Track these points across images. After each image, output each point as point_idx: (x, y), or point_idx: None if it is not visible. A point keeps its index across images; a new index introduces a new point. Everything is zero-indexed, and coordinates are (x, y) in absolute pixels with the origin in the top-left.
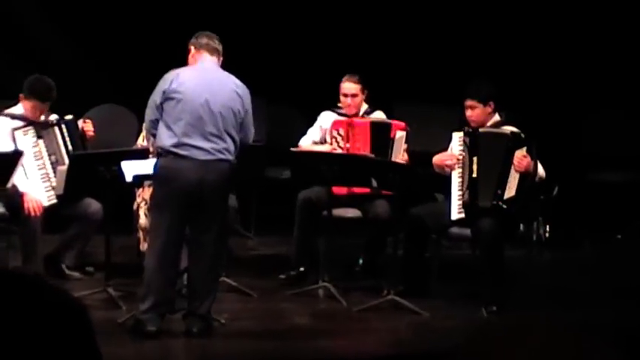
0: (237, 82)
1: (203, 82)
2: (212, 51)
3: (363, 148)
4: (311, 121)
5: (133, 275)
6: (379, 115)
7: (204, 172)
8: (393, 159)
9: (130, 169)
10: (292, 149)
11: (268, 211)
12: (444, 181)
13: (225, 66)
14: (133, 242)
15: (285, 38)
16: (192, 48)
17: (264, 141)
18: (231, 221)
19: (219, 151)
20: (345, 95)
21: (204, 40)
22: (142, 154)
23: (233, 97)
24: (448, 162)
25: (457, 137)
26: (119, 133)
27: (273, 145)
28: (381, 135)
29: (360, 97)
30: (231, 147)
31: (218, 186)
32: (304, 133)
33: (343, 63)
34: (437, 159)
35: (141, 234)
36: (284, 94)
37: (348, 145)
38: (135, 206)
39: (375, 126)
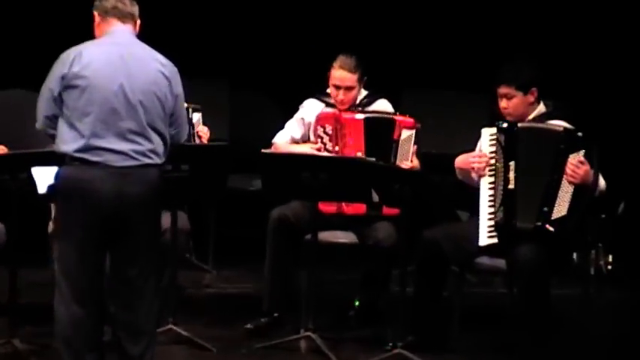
0: (161, 58)
1: (115, 61)
2: (124, 17)
3: (355, 152)
4: (290, 113)
5: (49, 321)
6: (382, 106)
7: (124, 184)
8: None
9: (44, 177)
10: (264, 150)
11: (232, 235)
12: (469, 194)
13: (170, 39)
14: (48, 277)
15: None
16: (96, 15)
17: (226, 139)
18: (181, 248)
19: (143, 154)
20: (337, 87)
21: (110, 3)
22: (61, 157)
23: (158, 80)
24: (476, 165)
25: (488, 135)
26: (31, 128)
27: (238, 144)
28: (379, 135)
29: (357, 89)
30: (160, 147)
31: (144, 201)
32: (281, 128)
33: (334, 34)
34: (460, 161)
35: None
36: (253, 75)
37: (337, 148)
38: (50, 228)
39: (372, 123)
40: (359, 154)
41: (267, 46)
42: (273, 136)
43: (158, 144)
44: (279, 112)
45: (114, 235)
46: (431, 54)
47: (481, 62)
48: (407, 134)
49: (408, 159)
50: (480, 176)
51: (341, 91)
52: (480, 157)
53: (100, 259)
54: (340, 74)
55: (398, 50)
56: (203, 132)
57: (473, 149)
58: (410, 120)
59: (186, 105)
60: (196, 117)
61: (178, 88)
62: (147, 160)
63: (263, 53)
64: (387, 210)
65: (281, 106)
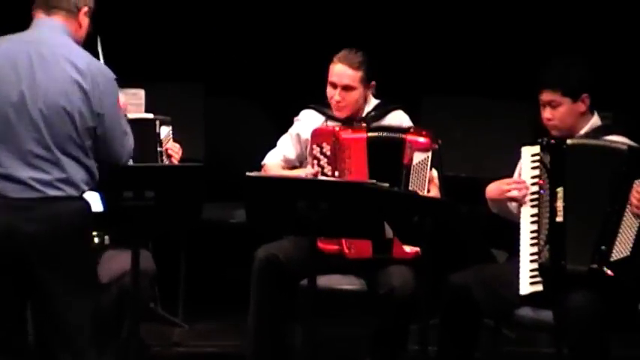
0: (82, 62)
1: (22, 63)
2: (49, 6)
3: (357, 177)
4: (284, 126)
5: None
6: (397, 120)
7: (17, 219)
8: None
9: None
10: (249, 174)
11: (207, 279)
12: (506, 228)
13: (130, 36)
14: None
15: None
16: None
17: (201, 159)
18: (144, 296)
19: (50, 185)
20: (334, 85)
21: None
22: None
23: (69, 91)
24: (514, 194)
25: (529, 155)
26: None
27: (216, 165)
28: (385, 159)
29: (360, 91)
30: (79, 176)
31: (46, 242)
32: (272, 146)
33: (339, 30)
34: (494, 190)
35: None
36: (235, 78)
37: (336, 174)
38: None
39: (376, 144)
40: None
41: (254, 42)
42: (261, 156)
43: (75, 172)
44: (270, 126)
45: (19, 283)
46: (456, 52)
47: (519, 62)
48: (420, 158)
49: (422, 188)
50: (520, 206)
51: (337, 91)
52: (520, 183)
53: (9, 307)
54: (339, 69)
55: (416, 48)
56: (173, 150)
57: (510, 174)
58: (424, 140)
59: (151, 116)
60: (165, 131)
61: (105, 103)
62: (53, 193)
63: (248, 51)
64: (399, 251)
65: (272, 117)
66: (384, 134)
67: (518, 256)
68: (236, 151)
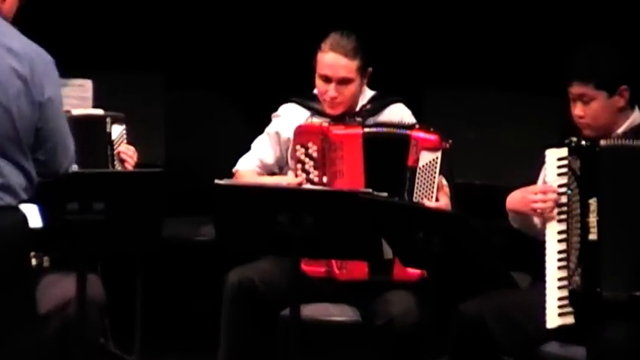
0: (18, 44)
1: None
2: None
3: (351, 183)
4: (260, 124)
5: None
6: (396, 114)
7: None
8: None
9: None
10: (219, 181)
11: (168, 309)
12: (529, 248)
13: (74, 17)
14: None
15: None
16: None
17: (161, 164)
18: (92, 329)
19: None
20: (327, 79)
21: None
22: None
23: (7, 81)
24: (538, 205)
25: (555, 159)
26: None
27: (179, 171)
28: (386, 160)
29: (357, 82)
30: (16, 180)
31: None
32: (245, 148)
33: (324, 13)
34: (515, 200)
35: None
36: (202, 68)
37: (325, 179)
38: None
39: (374, 142)
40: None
41: (224, 24)
42: (233, 160)
43: (13, 176)
44: (244, 124)
45: None
46: (466, 36)
47: (543, 48)
48: (428, 158)
49: (430, 196)
50: (546, 221)
51: (332, 85)
52: (545, 192)
53: None
54: (331, 59)
55: (416, 31)
56: (127, 153)
57: (533, 181)
58: (432, 137)
59: (101, 112)
60: (117, 131)
61: (48, 90)
62: None
63: (217, 35)
64: (401, 273)
65: (246, 114)
66: (385, 130)
67: (544, 281)
68: (203, 154)
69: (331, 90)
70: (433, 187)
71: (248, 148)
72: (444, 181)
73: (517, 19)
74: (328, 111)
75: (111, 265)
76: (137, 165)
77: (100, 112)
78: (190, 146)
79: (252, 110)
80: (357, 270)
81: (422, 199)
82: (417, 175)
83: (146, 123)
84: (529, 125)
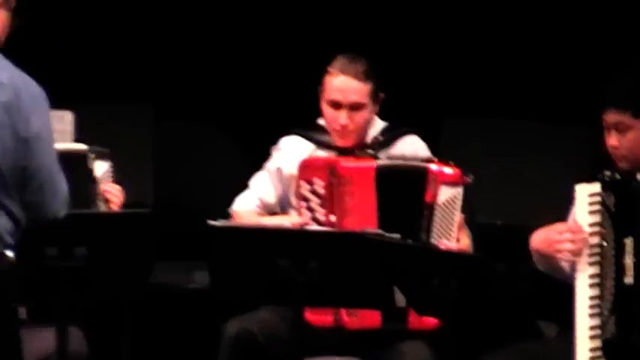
0: (4, 71)
1: None
2: None
3: (362, 222)
4: (258, 159)
5: None
6: (410, 146)
7: None
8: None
9: None
10: (213, 223)
11: None
12: (557, 293)
13: (56, 43)
14: None
15: None
16: None
17: (149, 204)
18: None
19: None
20: (337, 105)
21: None
22: None
23: None
24: (566, 246)
25: (587, 196)
26: None
27: (169, 213)
28: (402, 196)
29: (370, 108)
30: (1, 225)
31: None
32: (243, 186)
33: (328, 33)
34: (541, 240)
35: None
36: (194, 98)
37: (333, 218)
38: None
39: (389, 176)
40: (370, 229)
41: (217, 50)
42: (229, 200)
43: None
44: (240, 158)
45: None
46: (489, 61)
47: (574, 74)
48: (448, 194)
49: (450, 235)
50: (575, 264)
51: (343, 112)
52: (573, 231)
53: None
54: (342, 82)
55: (434, 56)
56: (112, 192)
57: (562, 217)
58: (452, 172)
59: (83, 147)
60: (101, 168)
61: (35, 124)
62: None
63: (209, 62)
64: (417, 321)
65: (244, 148)
66: (401, 163)
67: (574, 330)
68: (195, 193)
69: (342, 117)
70: (453, 226)
71: (245, 186)
72: (463, 223)
73: (544, 43)
74: (338, 142)
75: (94, 317)
76: (123, 205)
77: (82, 146)
78: (181, 184)
79: (249, 143)
80: (368, 318)
81: (441, 238)
82: (436, 212)
83: (133, 159)
84: (557, 158)
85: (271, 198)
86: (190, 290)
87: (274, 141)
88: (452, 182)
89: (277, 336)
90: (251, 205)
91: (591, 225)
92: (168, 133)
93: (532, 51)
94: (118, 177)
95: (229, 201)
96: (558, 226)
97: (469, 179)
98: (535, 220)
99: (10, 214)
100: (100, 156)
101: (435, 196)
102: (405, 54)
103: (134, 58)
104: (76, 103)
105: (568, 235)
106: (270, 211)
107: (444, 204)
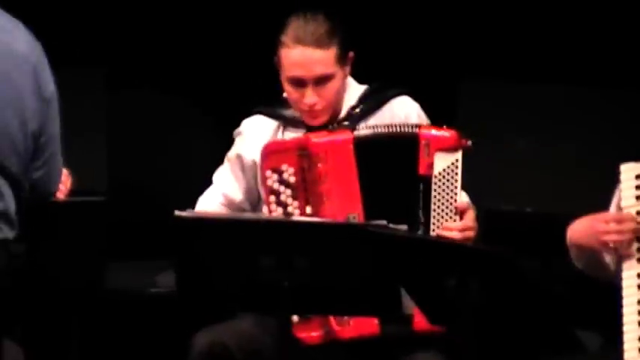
0: (26, 37)
1: None
2: None
3: (343, 208)
4: (230, 138)
5: None
6: (400, 110)
7: None
8: (437, 228)
9: None
10: (181, 213)
11: None
12: (599, 297)
13: None
14: None
15: None
16: None
17: (103, 191)
18: None
19: None
20: (300, 83)
21: None
22: None
23: (16, 69)
24: (611, 237)
25: (633, 176)
26: None
27: (126, 202)
28: (388, 171)
29: (339, 76)
30: (11, 204)
31: None
32: (207, 169)
33: None
34: (582, 231)
35: None
36: (155, 61)
37: (309, 210)
38: None
39: (370, 148)
40: (352, 217)
41: (183, 6)
42: (201, 185)
43: (11, 201)
44: (215, 137)
45: None
46: (516, 12)
47: (618, 27)
48: (446, 162)
49: (452, 212)
50: (622, 260)
51: (309, 90)
52: (620, 221)
53: None
54: (301, 55)
55: (446, 10)
56: None
57: (603, 207)
58: (448, 133)
59: None
60: None
61: (50, 84)
62: None
63: (174, 20)
64: (424, 322)
65: (218, 123)
66: (383, 131)
67: (621, 342)
68: (158, 177)
69: (309, 96)
70: (455, 200)
71: (215, 168)
72: (466, 198)
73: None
74: (309, 122)
75: (35, 328)
76: (71, 193)
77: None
78: (141, 166)
79: (226, 117)
80: (364, 322)
81: (442, 217)
82: (433, 185)
83: (82, 136)
84: (599, 131)
85: (237, 194)
86: (152, 295)
87: (239, 117)
88: (448, 147)
89: (258, 351)
90: (214, 202)
91: None
92: (124, 102)
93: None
94: (65, 159)
95: (201, 187)
96: (601, 215)
97: (469, 142)
98: (572, 206)
99: (18, 196)
100: None
101: (429, 166)
102: (413, 8)
103: (85, 13)
104: None
105: (614, 226)
106: (237, 208)
107: (441, 175)
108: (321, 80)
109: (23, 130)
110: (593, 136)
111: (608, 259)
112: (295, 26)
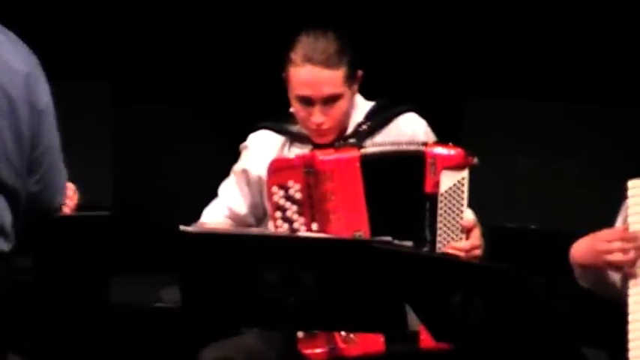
0: (19, 49)
1: None
2: None
3: (350, 225)
4: (230, 154)
5: None
6: (406, 129)
7: None
8: (444, 247)
9: None
10: (186, 228)
11: None
12: (604, 315)
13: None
14: None
15: None
16: None
17: (108, 206)
18: None
19: None
20: (308, 101)
21: None
22: None
23: (9, 73)
24: (615, 257)
25: (638, 191)
26: None
27: (132, 217)
28: (394, 189)
29: (347, 96)
30: (8, 219)
31: None
32: (213, 184)
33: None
34: (585, 249)
35: None
36: (160, 76)
37: (315, 226)
38: None
39: (376, 166)
40: (358, 234)
41: (191, 22)
42: (205, 200)
43: (5, 213)
44: (222, 150)
45: None
46: (522, 32)
47: (621, 46)
48: (452, 180)
49: (459, 230)
50: (628, 279)
51: (316, 108)
52: (625, 239)
53: None
54: (310, 75)
55: (455, 30)
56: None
57: (608, 225)
58: (455, 151)
59: None
60: None
61: (44, 96)
62: None
63: (180, 35)
64: (429, 339)
65: (225, 138)
66: (390, 148)
67: (626, 359)
68: (163, 192)
69: (316, 115)
70: (461, 218)
71: (219, 185)
72: (472, 216)
73: (591, 9)
74: (316, 140)
75: (40, 343)
76: (77, 208)
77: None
78: (146, 181)
79: (232, 132)
80: (370, 339)
81: (448, 235)
82: (440, 203)
83: (88, 151)
84: (603, 148)
85: (241, 208)
86: (157, 310)
87: (245, 131)
88: (455, 166)
89: None
90: (219, 215)
91: None
92: (129, 118)
93: (575, 20)
94: (71, 174)
95: (206, 202)
96: (604, 233)
97: (475, 160)
98: (577, 223)
99: (15, 208)
100: None
101: (436, 184)
102: (420, 27)
103: (92, 29)
104: None
105: (618, 244)
106: (243, 222)
107: (447, 193)
108: (329, 100)
109: (18, 141)
110: (598, 154)
111: (613, 278)
112: (305, 44)
